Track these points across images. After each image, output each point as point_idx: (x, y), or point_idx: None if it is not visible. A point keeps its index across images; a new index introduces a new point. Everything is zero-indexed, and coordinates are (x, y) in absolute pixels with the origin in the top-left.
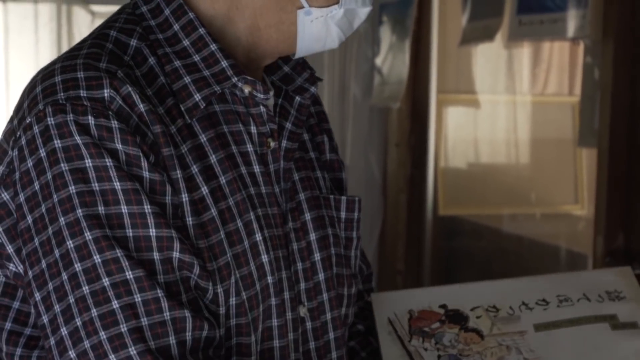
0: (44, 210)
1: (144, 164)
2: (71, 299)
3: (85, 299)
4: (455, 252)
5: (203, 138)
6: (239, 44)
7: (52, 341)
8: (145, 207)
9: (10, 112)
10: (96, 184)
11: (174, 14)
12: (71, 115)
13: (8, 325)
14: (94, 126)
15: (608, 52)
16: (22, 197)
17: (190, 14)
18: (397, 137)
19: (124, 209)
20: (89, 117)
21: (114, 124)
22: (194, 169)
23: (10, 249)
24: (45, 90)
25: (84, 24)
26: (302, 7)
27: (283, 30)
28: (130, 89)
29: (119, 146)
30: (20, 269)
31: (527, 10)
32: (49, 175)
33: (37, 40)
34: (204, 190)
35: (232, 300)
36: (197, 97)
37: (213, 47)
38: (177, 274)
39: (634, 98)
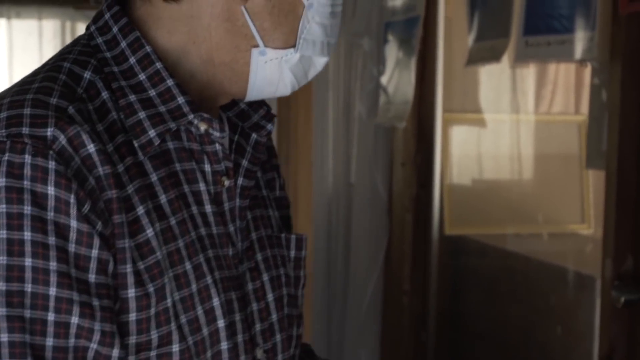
0: None
1: (74, 211)
2: None
3: None
4: (462, 272)
5: (154, 177)
6: (193, 80)
7: None
8: (51, 263)
9: None
10: (4, 231)
11: (131, 47)
12: (7, 154)
13: None
14: (30, 165)
15: (616, 74)
16: None
17: (147, 47)
18: (402, 156)
19: (28, 261)
20: (26, 156)
21: (51, 164)
22: (140, 209)
23: None
24: None
25: None
26: (257, 45)
27: (236, 70)
28: (79, 129)
29: (51, 190)
30: None
31: (534, 32)
32: None
33: (41, 56)
34: (150, 232)
35: (175, 347)
36: (152, 133)
37: (170, 82)
38: (70, 341)
39: None
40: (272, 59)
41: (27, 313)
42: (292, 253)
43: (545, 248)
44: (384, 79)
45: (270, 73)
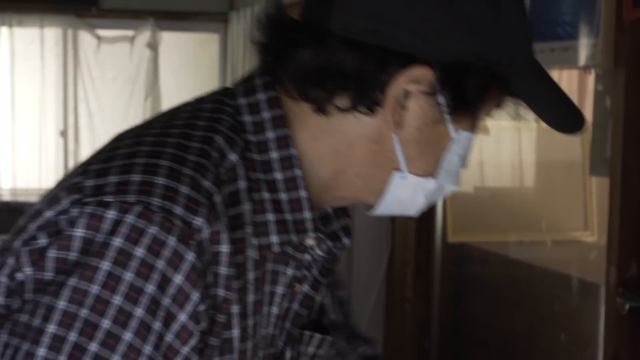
0: (65, 292)
1: (189, 307)
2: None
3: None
4: (465, 279)
5: (251, 275)
6: (320, 184)
7: None
8: (147, 347)
9: (16, 136)
10: (120, 298)
11: (277, 142)
12: (154, 229)
13: None
14: (171, 248)
15: (620, 80)
16: (65, 262)
17: (292, 150)
18: None
19: (127, 335)
20: (171, 238)
21: (190, 256)
22: (235, 308)
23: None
24: (142, 184)
25: (89, 49)
26: (399, 169)
27: (370, 184)
28: (221, 227)
29: (179, 279)
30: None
31: (537, 38)
32: (95, 264)
33: (43, 64)
34: (235, 333)
35: None
36: (275, 239)
37: (303, 194)
38: None
39: None
40: (411, 184)
41: None
42: (311, 349)
43: (549, 255)
44: None
45: (406, 196)
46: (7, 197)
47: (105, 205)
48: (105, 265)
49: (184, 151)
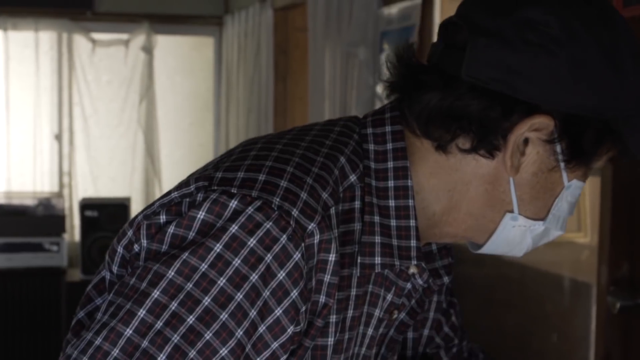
0: (176, 263)
1: (287, 303)
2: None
3: (131, 338)
4: (457, 280)
5: (353, 291)
6: (430, 214)
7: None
8: (239, 331)
9: (11, 140)
10: (224, 280)
11: (395, 172)
12: (270, 224)
13: (81, 314)
14: (282, 246)
15: None
16: (182, 239)
17: (409, 181)
18: None
19: (224, 316)
20: (284, 236)
21: (297, 255)
22: (334, 318)
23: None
24: (267, 183)
25: (84, 52)
26: (512, 211)
27: (480, 223)
28: (332, 236)
29: (282, 274)
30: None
31: None
32: (209, 244)
33: (37, 68)
34: (330, 340)
35: None
36: (378, 260)
37: (412, 223)
38: None
39: None
40: (521, 226)
41: (192, 353)
42: None
43: (541, 257)
44: (379, 89)
45: (514, 237)
46: (1, 201)
47: (230, 195)
48: (218, 248)
49: (309, 163)
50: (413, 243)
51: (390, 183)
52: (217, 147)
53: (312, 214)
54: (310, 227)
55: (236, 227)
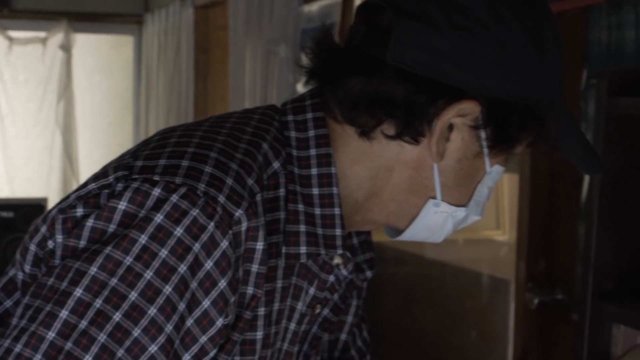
0: (98, 259)
1: (214, 295)
2: (33, 327)
3: (41, 337)
4: (379, 278)
5: (279, 284)
6: (353, 200)
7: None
8: (169, 326)
9: None
10: (150, 273)
11: (318, 159)
12: (196, 211)
13: None
14: (209, 234)
15: None
16: (102, 232)
17: (332, 168)
18: None
19: (152, 311)
20: (211, 223)
21: (224, 244)
22: (262, 311)
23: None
24: (191, 169)
25: (1, 51)
26: (434, 197)
27: (403, 208)
28: (260, 223)
29: (209, 264)
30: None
31: None
32: (133, 236)
33: None
34: (259, 335)
35: None
36: (303, 249)
37: (337, 211)
38: None
39: None
40: (443, 212)
41: (120, 352)
42: None
43: (461, 254)
44: (300, 87)
45: (435, 223)
46: None
47: (152, 183)
48: (143, 239)
49: (232, 149)
50: (338, 232)
51: (314, 171)
52: None
53: (239, 200)
54: (237, 213)
55: (161, 217)
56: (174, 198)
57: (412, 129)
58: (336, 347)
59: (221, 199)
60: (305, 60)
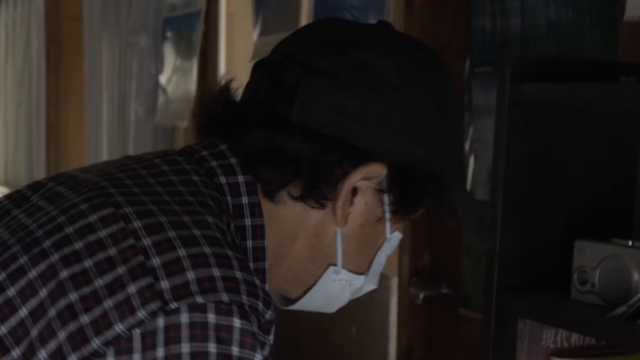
0: None
1: None
2: None
3: None
4: None
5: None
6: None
7: None
8: None
9: None
10: None
11: (253, 230)
12: (256, 329)
13: None
14: (269, 348)
15: None
16: None
17: (264, 241)
18: None
19: None
20: (267, 338)
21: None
22: None
23: None
24: (226, 280)
25: None
26: (335, 264)
27: (300, 278)
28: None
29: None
30: None
31: None
32: None
33: None
34: None
35: None
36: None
37: (266, 287)
38: None
39: None
40: (342, 280)
41: None
42: None
43: None
44: (162, 78)
45: (333, 292)
46: None
47: (201, 309)
48: None
49: (216, 243)
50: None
51: (249, 243)
52: None
53: (264, 298)
54: (267, 315)
55: (237, 349)
56: (236, 323)
57: (318, 190)
58: None
59: (260, 307)
60: (204, 109)
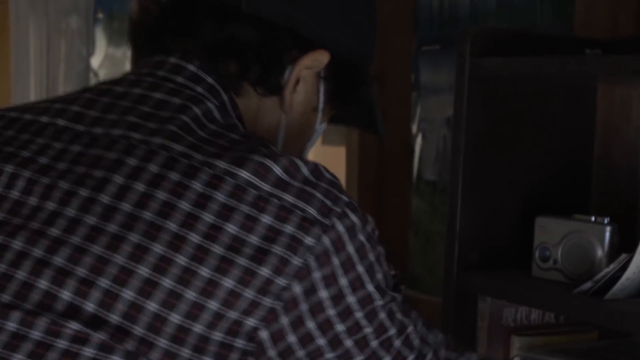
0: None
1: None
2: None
3: None
4: None
5: None
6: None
7: None
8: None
9: None
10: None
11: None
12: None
13: None
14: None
15: None
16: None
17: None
18: None
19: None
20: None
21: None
22: None
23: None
24: (333, 186)
25: None
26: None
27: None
28: None
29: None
30: None
31: None
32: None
33: None
34: None
35: None
36: None
37: None
38: None
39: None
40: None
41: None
42: None
43: None
44: (94, 61)
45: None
46: None
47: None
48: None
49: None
50: None
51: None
52: None
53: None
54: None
55: (370, 227)
56: (356, 220)
57: (272, 77)
58: None
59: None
60: (138, 17)
